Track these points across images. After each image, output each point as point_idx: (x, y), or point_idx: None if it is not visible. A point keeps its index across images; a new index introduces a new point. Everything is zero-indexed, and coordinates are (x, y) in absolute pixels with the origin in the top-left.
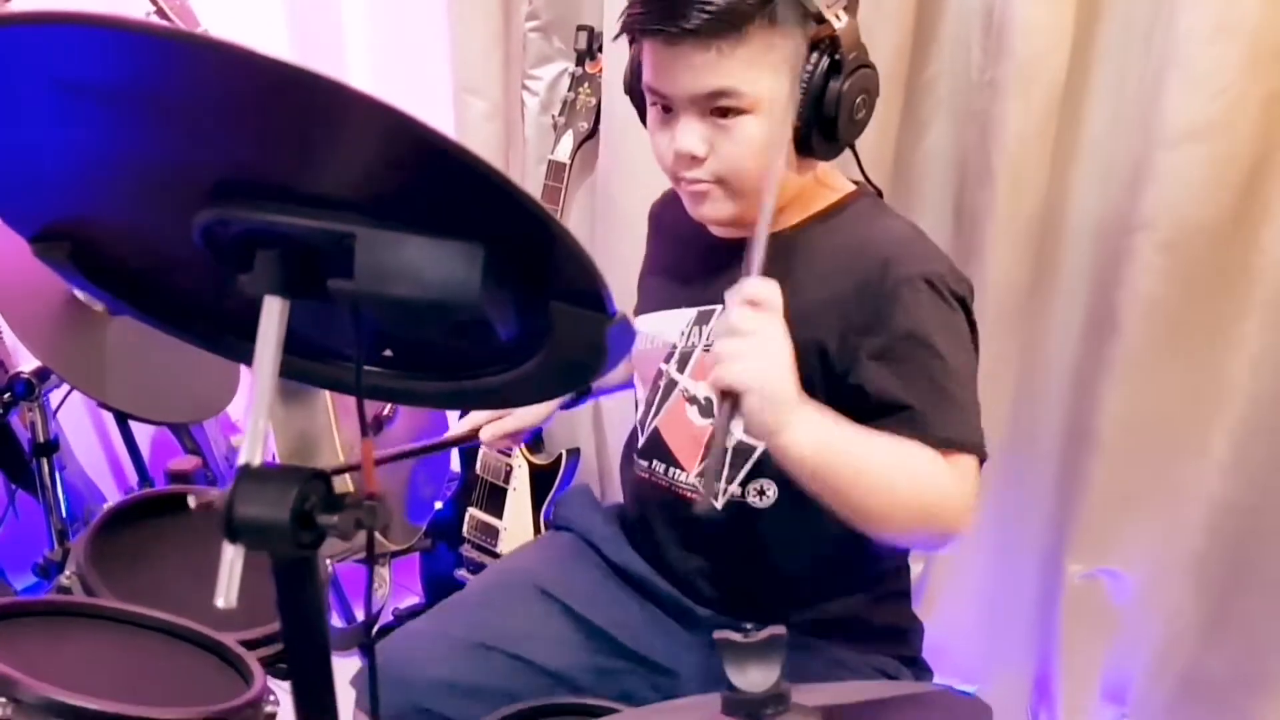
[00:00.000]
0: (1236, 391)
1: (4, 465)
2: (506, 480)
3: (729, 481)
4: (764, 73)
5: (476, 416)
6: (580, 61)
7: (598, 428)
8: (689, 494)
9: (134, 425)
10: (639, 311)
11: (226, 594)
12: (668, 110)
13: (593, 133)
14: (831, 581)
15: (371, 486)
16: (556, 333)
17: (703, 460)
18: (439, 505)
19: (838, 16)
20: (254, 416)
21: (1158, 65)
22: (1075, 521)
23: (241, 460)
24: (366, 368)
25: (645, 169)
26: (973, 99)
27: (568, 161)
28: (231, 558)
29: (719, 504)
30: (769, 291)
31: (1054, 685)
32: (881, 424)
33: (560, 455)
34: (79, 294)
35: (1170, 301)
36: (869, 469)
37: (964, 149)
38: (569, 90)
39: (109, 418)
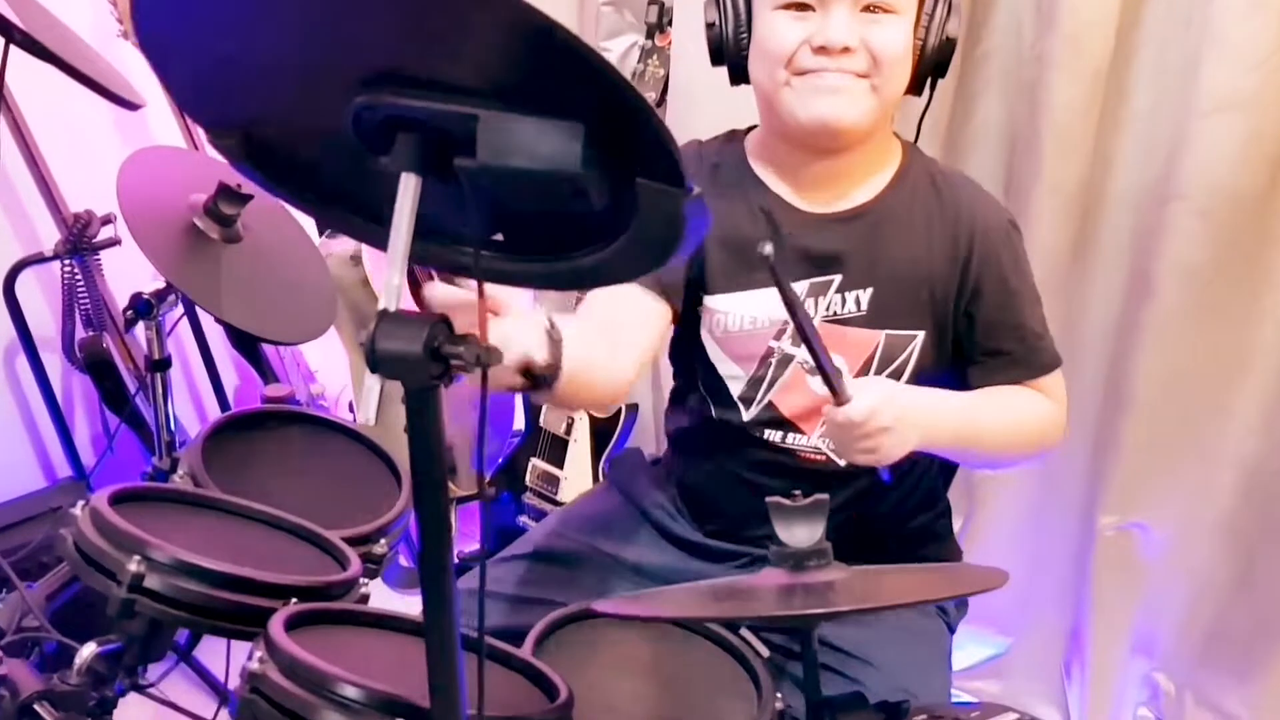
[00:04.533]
0: (1267, 355)
1: (106, 397)
2: (568, 432)
3: None
4: None
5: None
6: (650, 34)
7: (655, 385)
8: (808, 455)
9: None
10: (720, 290)
11: (367, 412)
12: (802, 8)
13: (660, 104)
14: (901, 522)
15: (484, 338)
16: (641, 208)
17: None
18: (500, 460)
19: None
20: (391, 272)
21: (1196, 39)
22: (1109, 477)
23: (381, 306)
24: (481, 251)
25: None
26: (1023, 72)
27: None
28: (372, 384)
29: (843, 461)
30: (864, 414)
31: (1085, 638)
32: (986, 364)
33: (620, 410)
34: (199, 223)
35: (1205, 268)
36: (991, 427)
37: (1013, 121)
38: (638, 62)
39: (196, 361)
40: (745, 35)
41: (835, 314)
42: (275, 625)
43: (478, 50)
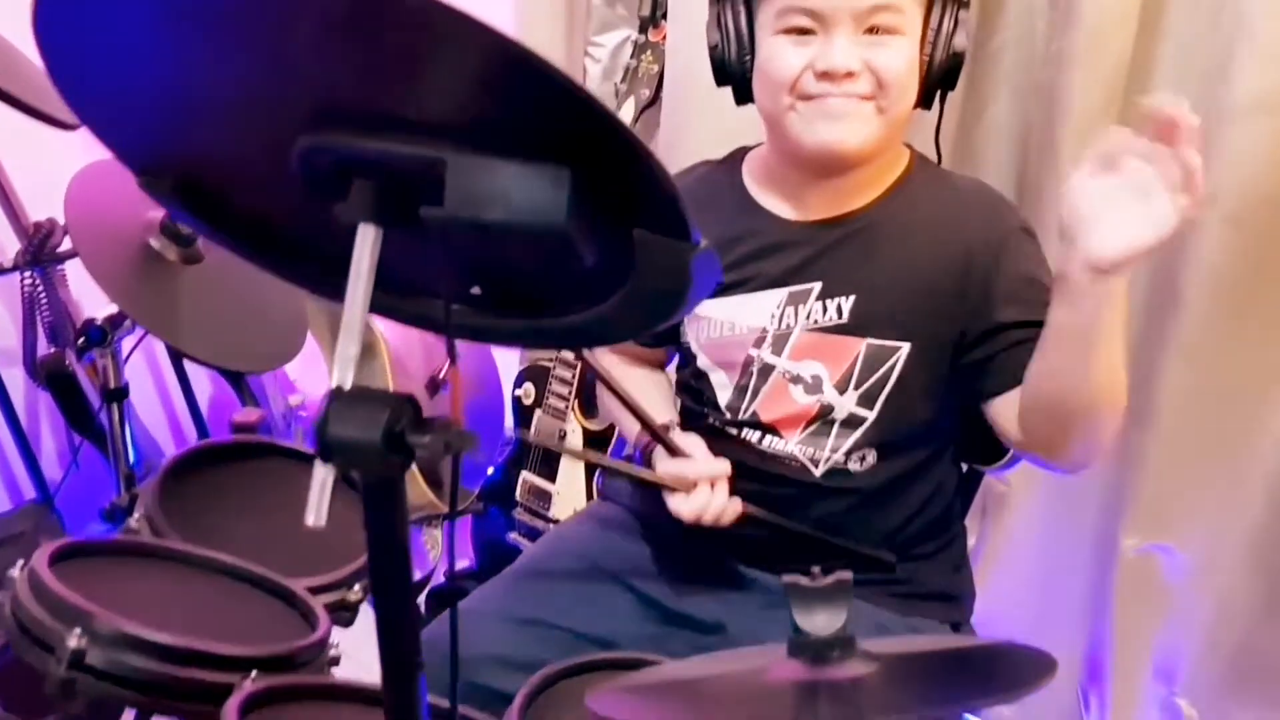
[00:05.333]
0: None
1: (69, 416)
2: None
3: (833, 450)
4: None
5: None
6: (643, 29)
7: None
8: (784, 460)
9: (192, 383)
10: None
11: (317, 513)
12: (804, 32)
13: (654, 100)
14: (899, 545)
15: (456, 414)
16: (640, 263)
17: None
18: (490, 470)
19: None
20: (345, 341)
21: (1226, 37)
22: (1131, 496)
23: (334, 383)
24: (455, 306)
25: (707, 137)
26: (1037, 71)
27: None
28: (323, 477)
29: (819, 471)
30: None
31: (1105, 662)
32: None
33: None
34: (153, 243)
35: (1235, 276)
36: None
37: (1027, 122)
38: (631, 58)
39: (169, 375)
40: (749, 57)
41: (816, 322)
42: (230, 712)
43: (444, 84)
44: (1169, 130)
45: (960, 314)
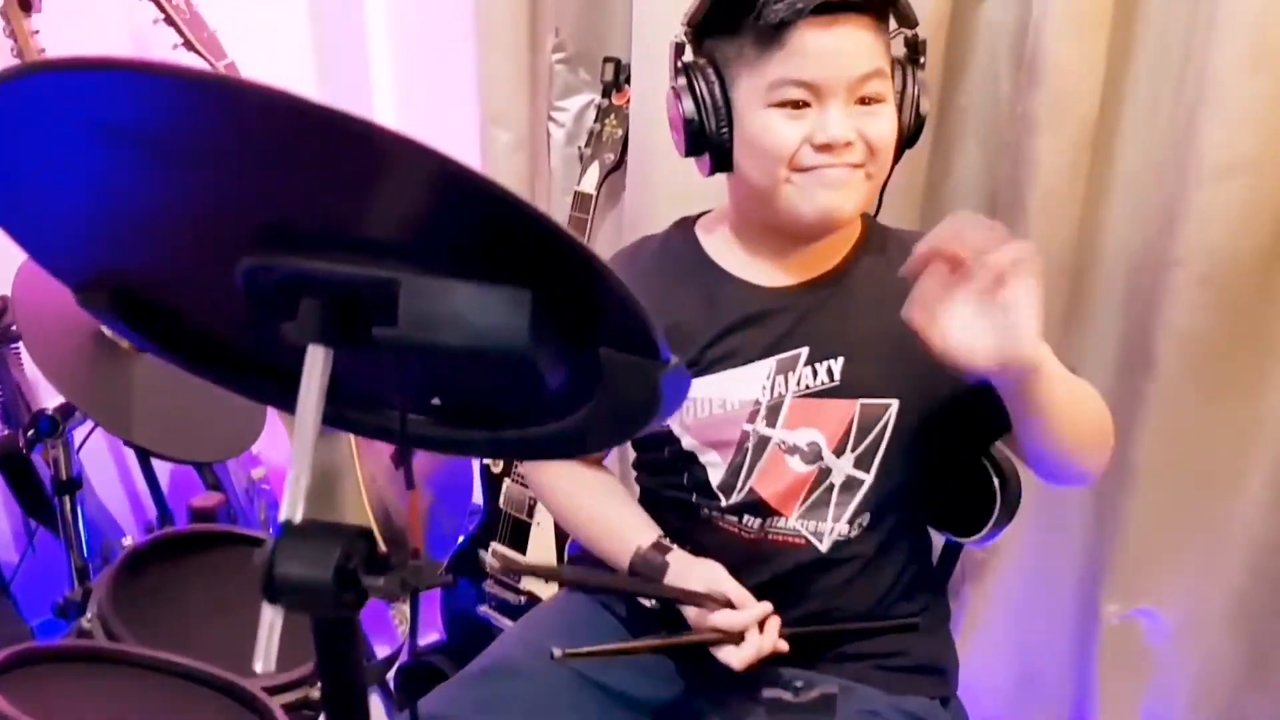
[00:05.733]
0: (1276, 429)
1: (24, 500)
2: (530, 514)
3: (835, 520)
4: (891, 67)
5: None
6: (607, 93)
7: (623, 458)
8: (788, 539)
9: (152, 459)
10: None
11: (265, 658)
12: (798, 105)
13: (619, 164)
14: (888, 611)
15: (418, 542)
16: (607, 381)
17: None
18: (460, 539)
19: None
20: (295, 471)
21: (1192, 100)
22: (1112, 561)
23: (282, 516)
24: (413, 416)
25: (673, 200)
26: (1003, 131)
27: (594, 193)
28: (271, 619)
29: (825, 545)
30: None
31: None
32: None
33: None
34: (106, 330)
35: (1208, 337)
36: (1075, 390)
37: (995, 181)
38: (595, 122)
39: (130, 452)
40: (727, 129)
41: (807, 388)
42: None
43: (394, 206)
44: (951, 261)
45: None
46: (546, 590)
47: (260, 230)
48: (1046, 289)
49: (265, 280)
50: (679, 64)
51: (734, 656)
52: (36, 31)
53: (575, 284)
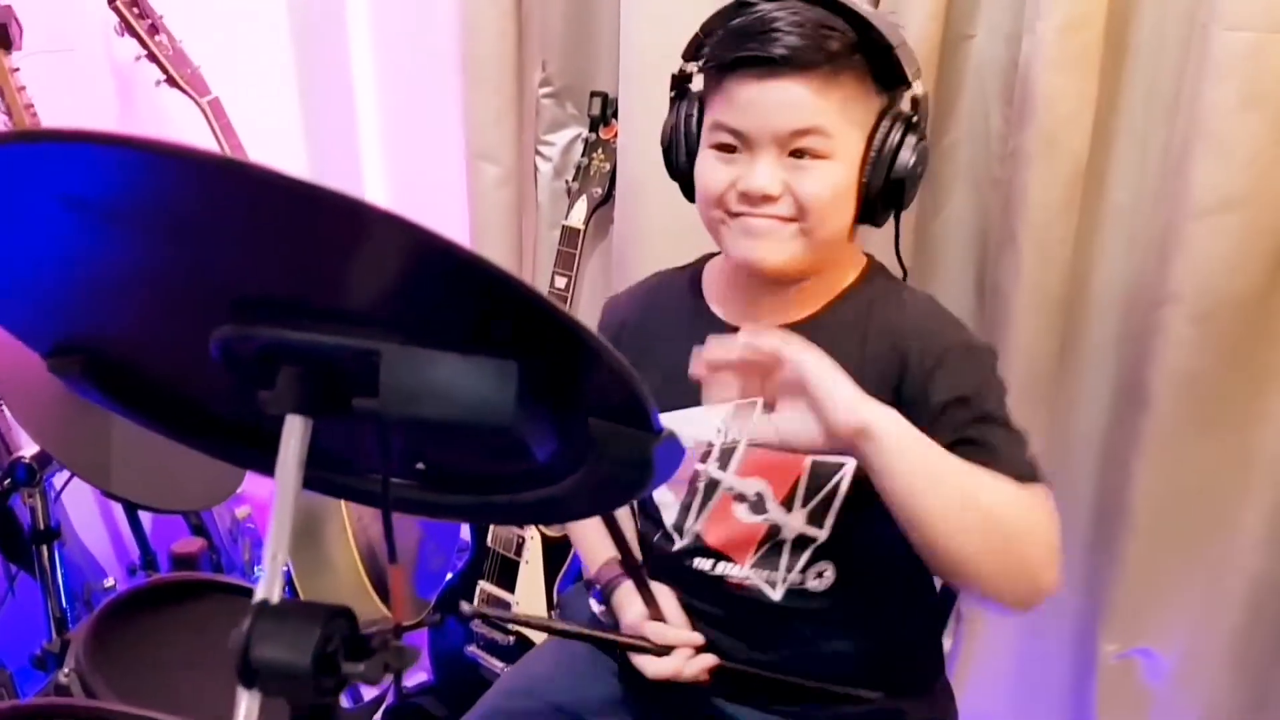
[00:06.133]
0: (1272, 465)
1: (3, 545)
2: (518, 553)
3: (789, 570)
4: (846, 123)
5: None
6: (594, 127)
7: None
8: (743, 583)
9: None
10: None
11: None
12: (730, 150)
13: (606, 198)
14: (880, 672)
15: (399, 616)
16: (598, 450)
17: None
18: (449, 576)
19: (918, 83)
20: (273, 547)
21: (1184, 136)
22: (1108, 600)
23: (259, 595)
24: (397, 481)
25: (662, 234)
26: (994, 167)
27: (581, 227)
28: (247, 705)
29: (778, 594)
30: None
31: None
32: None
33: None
34: None
35: (1202, 374)
36: (949, 472)
37: (986, 217)
38: (582, 155)
39: None
40: (687, 161)
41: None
42: None
43: (374, 278)
44: (753, 360)
45: None
46: (535, 630)
47: (236, 301)
48: (1039, 326)
49: (242, 349)
50: (673, 92)
51: (650, 665)
52: (17, 69)
53: (564, 355)
